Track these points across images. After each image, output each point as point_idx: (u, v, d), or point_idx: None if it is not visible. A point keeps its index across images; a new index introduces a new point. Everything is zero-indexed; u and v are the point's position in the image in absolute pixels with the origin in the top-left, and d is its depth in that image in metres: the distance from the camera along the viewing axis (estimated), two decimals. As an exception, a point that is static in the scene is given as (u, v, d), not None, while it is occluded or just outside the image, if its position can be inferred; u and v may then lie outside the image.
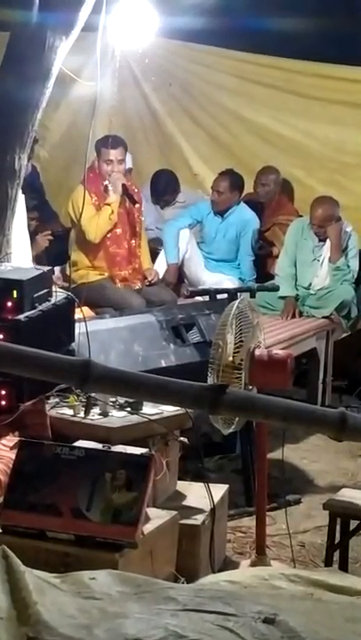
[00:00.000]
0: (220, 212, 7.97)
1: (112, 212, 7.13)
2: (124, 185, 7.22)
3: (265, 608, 2.75)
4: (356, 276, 7.60)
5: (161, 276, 7.89)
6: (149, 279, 7.52)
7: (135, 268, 7.39)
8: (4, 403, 4.48)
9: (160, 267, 7.99)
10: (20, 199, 6.79)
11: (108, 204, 7.13)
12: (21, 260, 6.03)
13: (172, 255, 8.02)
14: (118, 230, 7.24)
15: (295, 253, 7.68)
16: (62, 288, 5.49)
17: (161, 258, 8.10)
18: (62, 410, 4.55)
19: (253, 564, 4.53)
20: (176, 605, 2.77)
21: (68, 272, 7.17)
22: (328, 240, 7.53)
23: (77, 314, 5.12)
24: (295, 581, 3.38)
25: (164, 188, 8.64)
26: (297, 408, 2.70)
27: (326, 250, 7.55)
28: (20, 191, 5.45)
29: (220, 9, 8.08)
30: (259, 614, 2.70)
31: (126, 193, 7.27)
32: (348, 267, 7.55)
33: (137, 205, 7.40)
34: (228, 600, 2.82)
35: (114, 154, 7.20)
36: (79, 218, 6.92)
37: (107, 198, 7.15)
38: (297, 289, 7.61)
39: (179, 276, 8.08)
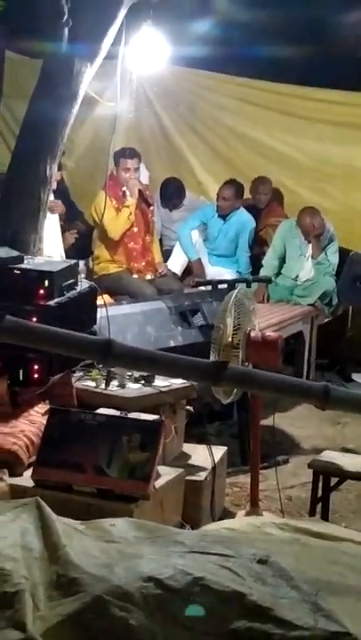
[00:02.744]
0: (224, 215, 7.97)
1: (130, 213, 7.15)
2: (139, 190, 7.24)
3: (259, 551, 2.75)
4: (335, 270, 7.59)
5: (179, 273, 7.94)
6: (160, 271, 7.54)
7: (148, 261, 7.41)
8: (36, 376, 4.49)
9: (173, 264, 8.00)
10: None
11: (127, 207, 7.15)
12: (56, 254, 6.04)
13: (193, 252, 8.02)
14: (135, 229, 7.25)
15: (282, 249, 7.66)
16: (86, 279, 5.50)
17: (174, 256, 8.10)
18: (86, 382, 4.56)
19: (248, 515, 4.53)
20: (183, 548, 2.77)
21: (91, 265, 7.20)
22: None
23: (99, 300, 5.13)
24: (284, 529, 3.38)
25: (172, 193, 8.61)
26: (287, 381, 2.70)
27: (310, 247, 7.55)
28: (51, 195, 5.45)
29: (222, 40, 8.08)
30: (254, 556, 2.71)
31: (142, 197, 7.28)
32: (329, 261, 7.53)
33: (151, 208, 7.42)
34: (228, 544, 2.82)
35: (131, 163, 7.21)
36: (101, 219, 6.94)
37: (125, 201, 7.17)
38: (285, 281, 7.61)
39: (186, 268, 8.10)
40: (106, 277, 6.97)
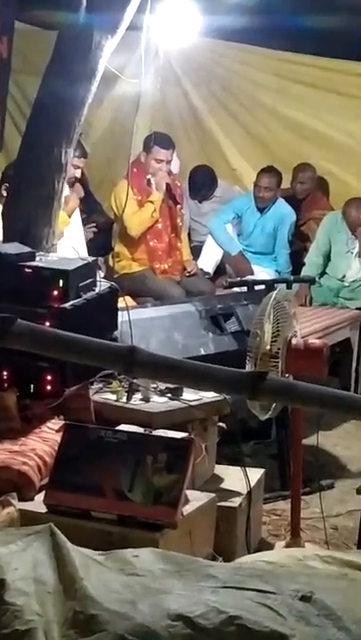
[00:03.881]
0: (262, 207, 7.97)
1: (154, 209, 7.14)
2: (167, 184, 7.24)
3: (302, 586, 2.75)
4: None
5: (211, 272, 7.96)
6: (189, 270, 7.55)
7: (175, 260, 7.42)
8: (49, 387, 4.51)
9: (204, 262, 8.02)
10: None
11: (151, 202, 7.14)
12: (79, 250, 6.07)
13: (233, 245, 8.05)
14: (159, 225, 7.25)
15: (327, 245, 7.66)
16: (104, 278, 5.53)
17: (205, 253, 8.12)
18: (105, 395, 4.57)
19: (288, 546, 4.54)
20: (216, 583, 2.77)
21: (110, 263, 7.22)
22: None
23: (120, 303, 5.15)
24: (329, 562, 3.37)
25: (202, 183, 8.63)
26: (335, 395, 2.71)
27: (358, 243, 7.54)
28: (65, 184, 5.47)
29: (260, 9, 8.07)
30: (296, 592, 2.70)
31: (169, 193, 7.28)
32: (377, 258, 7.55)
33: (178, 206, 7.43)
34: (267, 578, 2.82)
35: (165, 154, 7.20)
36: (122, 212, 6.96)
37: (149, 193, 7.16)
38: (330, 281, 7.61)
39: (218, 267, 8.12)
40: (128, 277, 7.00)
